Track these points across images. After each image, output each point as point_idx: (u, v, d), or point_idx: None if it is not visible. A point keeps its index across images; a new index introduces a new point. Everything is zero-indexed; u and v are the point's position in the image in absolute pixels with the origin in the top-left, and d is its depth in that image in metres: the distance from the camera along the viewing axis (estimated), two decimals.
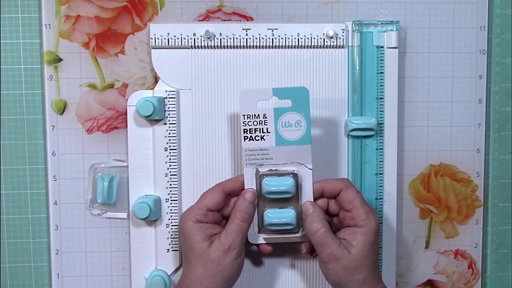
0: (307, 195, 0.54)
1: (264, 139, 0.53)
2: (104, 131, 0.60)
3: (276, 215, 0.53)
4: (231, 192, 0.54)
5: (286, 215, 0.53)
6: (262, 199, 0.54)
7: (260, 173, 0.53)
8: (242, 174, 0.54)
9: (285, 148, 0.53)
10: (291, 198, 0.53)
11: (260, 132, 0.53)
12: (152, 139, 0.58)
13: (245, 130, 0.53)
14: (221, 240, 0.51)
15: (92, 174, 0.60)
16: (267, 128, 0.53)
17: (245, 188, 0.53)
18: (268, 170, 0.53)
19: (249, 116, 0.52)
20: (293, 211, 0.53)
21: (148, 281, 0.58)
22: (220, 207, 0.53)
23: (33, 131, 0.60)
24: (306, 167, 0.53)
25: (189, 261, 0.52)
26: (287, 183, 0.53)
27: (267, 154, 0.53)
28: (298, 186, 0.53)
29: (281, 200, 0.53)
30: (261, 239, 0.55)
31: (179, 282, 0.53)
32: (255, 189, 0.53)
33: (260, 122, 0.53)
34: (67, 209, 0.60)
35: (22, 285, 0.61)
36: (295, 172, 0.53)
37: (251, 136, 0.53)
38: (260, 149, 0.53)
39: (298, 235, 0.54)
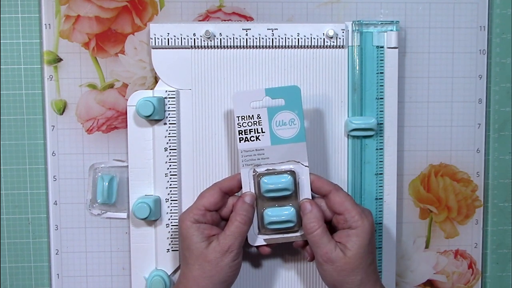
0: (305, 192, 0.54)
1: (259, 139, 0.53)
2: (104, 131, 0.60)
3: (276, 213, 0.53)
4: (229, 190, 0.54)
5: (286, 212, 0.53)
6: (261, 199, 0.54)
7: (258, 173, 0.53)
8: (239, 173, 0.54)
9: (280, 147, 0.53)
10: (289, 196, 0.53)
11: (255, 133, 0.53)
12: (152, 139, 0.58)
13: (240, 132, 0.53)
14: (220, 242, 0.51)
15: (92, 174, 0.60)
16: (261, 128, 0.53)
17: (243, 189, 0.53)
18: (265, 170, 0.53)
19: (243, 117, 0.53)
20: (292, 208, 0.53)
21: (148, 281, 0.58)
22: (218, 207, 0.53)
23: (33, 131, 0.60)
24: (303, 164, 0.53)
25: (187, 261, 0.52)
26: (285, 180, 0.53)
27: (263, 154, 0.53)
28: (296, 183, 0.53)
29: (280, 199, 0.54)
30: (261, 240, 0.55)
31: (177, 282, 0.54)
32: (253, 189, 0.53)
33: (255, 122, 0.53)
34: (67, 209, 0.60)
35: (22, 285, 0.61)
36: (292, 170, 0.53)
37: (246, 137, 0.53)
38: (256, 149, 0.53)
39: (298, 234, 0.54)
